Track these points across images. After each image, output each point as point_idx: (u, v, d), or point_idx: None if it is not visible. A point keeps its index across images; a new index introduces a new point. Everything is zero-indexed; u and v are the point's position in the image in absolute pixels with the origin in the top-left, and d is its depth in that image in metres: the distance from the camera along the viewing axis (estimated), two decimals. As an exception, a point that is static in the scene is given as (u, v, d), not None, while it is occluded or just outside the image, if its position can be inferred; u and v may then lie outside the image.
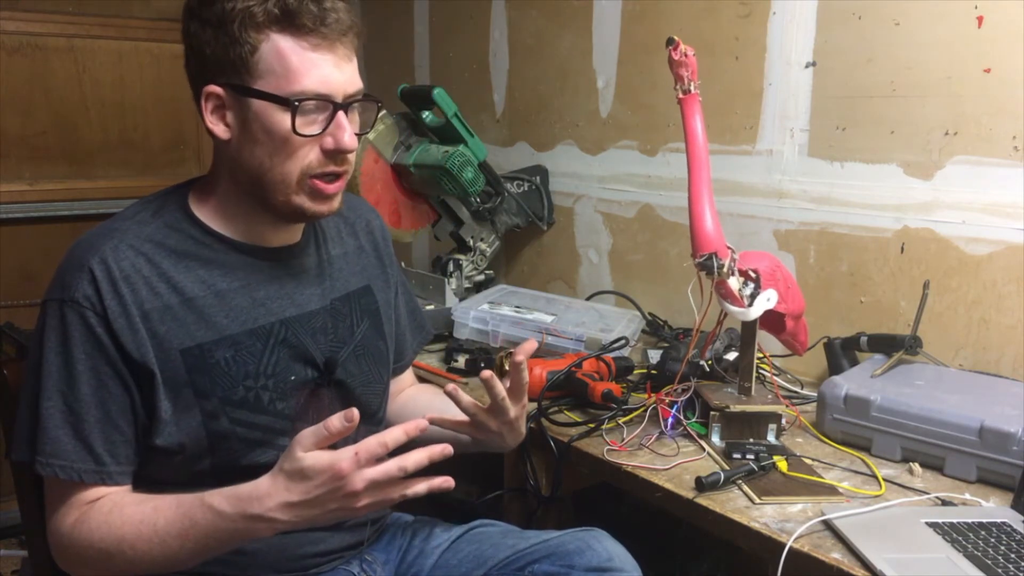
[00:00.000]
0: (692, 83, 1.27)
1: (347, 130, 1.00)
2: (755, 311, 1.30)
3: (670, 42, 1.25)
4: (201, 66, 1.01)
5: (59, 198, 2.44)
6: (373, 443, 0.88)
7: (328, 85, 0.98)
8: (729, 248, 1.27)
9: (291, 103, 0.96)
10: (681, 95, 1.27)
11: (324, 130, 0.99)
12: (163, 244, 1.02)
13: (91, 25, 2.43)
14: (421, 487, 0.91)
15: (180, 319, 1.00)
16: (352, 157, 1.04)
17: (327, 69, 0.98)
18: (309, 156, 1.00)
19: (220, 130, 1.01)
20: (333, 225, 1.20)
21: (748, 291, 1.30)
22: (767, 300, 1.30)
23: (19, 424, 0.99)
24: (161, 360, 0.99)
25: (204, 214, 1.06)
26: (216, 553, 0.96)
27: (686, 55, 1.25)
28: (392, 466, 0.88)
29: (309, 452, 0.89)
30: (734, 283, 1.29)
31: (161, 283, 1.00)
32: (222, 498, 0.92)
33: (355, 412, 0.88)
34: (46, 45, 2.37)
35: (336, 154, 1.01)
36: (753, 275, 1.30)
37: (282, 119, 0.97)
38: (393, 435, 0.89)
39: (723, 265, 1.24)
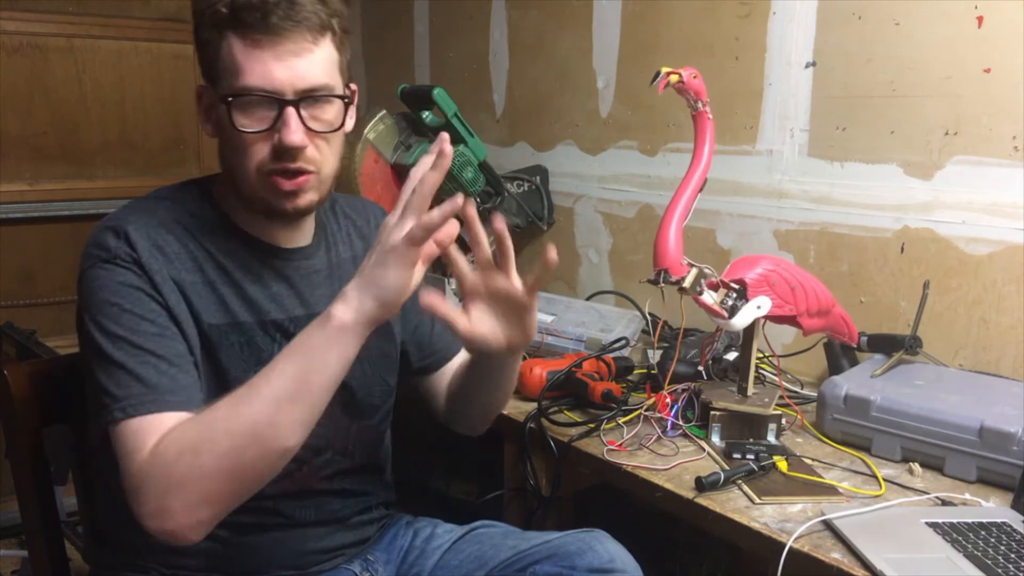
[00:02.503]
0: (699, 102, 1.29)
1: (291, 127, 0.96)
2: (739, 322, 1.30)
3: (656, 76, 1.26)
4: (201, 72, 1.04)
5: (59, 198, 2.44)
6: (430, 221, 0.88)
7: (269, 81, 0.96)
8: (693, 265, 1.29)
9: (227, 100, 0.97)
10: (692, 112, 1.31)
11: (272, 126, 0.98)
12: (187, 228, 1.04)
13: (91, 25, 2.43)
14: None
15: (204, 296, 1.02)
16: (313, 154, 1.01)
17: (269, 64, 0.96)
18: (261, 153, 0.99)
19: (208, 129, 1.05)
20: (344, 229, 1.21)
21: (731, 302, 1.30)
22: (756, 308, 1.30)
23: (92, 400, 0.96)
24: (190, 328, 1.00)
25: (225, 205, 1.09)
26: (315, 386, 0.89)
27: (683, 82, 1.26)
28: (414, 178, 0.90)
29: None
30: (708, 298, 1.30)
31: (188, 260, 1.02)
32: (314, 321, 0.91)
33: (460, 197, 0.88)
34: (46, 45, 2.37)
35: (283, 151, 0.98)
36: (736, 286, 1.31)
37: (231, 116, 0.98)
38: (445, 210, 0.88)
39: (677, 281, 1.27)
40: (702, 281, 1.30)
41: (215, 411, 0.90)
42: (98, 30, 2.44)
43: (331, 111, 1.02)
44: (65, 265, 2.44)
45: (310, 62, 0.98)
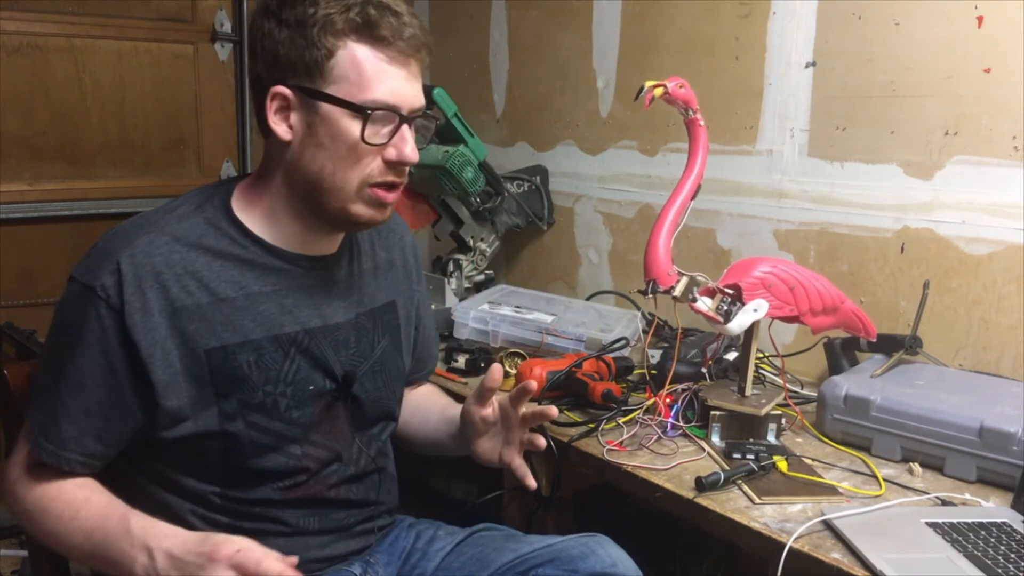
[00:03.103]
0: (689, 110, 1.32)
1: (410, 143, 1.02)
2: (735, 326, 1.31)
3: (640, 92, 1.28)
4: (272, 66, 1.01)
5: (59, 198, 2.43)
6: (253, 558, 0.90)
7: (399, 97, 1.00)
8: (683, 274, 1.30)
9: (363, 111, 0.98)
10: (684, 120, 1.33)
11: (388, 141, 1.01)
12: (199, 242, 1.02)
13: (91, 25, 2.42)
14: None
15: (208, 319, 1.01)
16: (408, 170, 1.06)
17: (399, 82, 1.00)
18: (371, 165, 1.01)
19: (282, 131, 1.01)
20: (367, 239, 1.20)
21: (726, 307, 1.31)
22: (753, 311, 1.30)
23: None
24: (185, 357, 1.00)
25: (245, 215, 1.06)
26: (96, 567, 1.01)
27: (668, 94, 1.28)
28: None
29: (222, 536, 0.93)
30: (703, 305, 1.31)
31: (192, 281, 1.00)
32: (139, 520, 0.97)
33: (294, 561, 0.91)
34: (46, 45, 2.37)
35: (398, 165, 1.02)
36: (731, 292, 1.31)
37: (351, 126, 0.98)
38: (272, 567, 0.89)
39: (667, 291, 1.30)
40: (694, 289, 1.31)
41: (53, 504, 1.01)
42: (98, 30, 2.43)
43: (426, 132, 1.09)
44: (65, 265, 2.41)
45: (419, 86, 1.04)
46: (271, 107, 1.01)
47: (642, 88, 1.28)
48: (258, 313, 1.04)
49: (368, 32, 0.97)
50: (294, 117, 1.00)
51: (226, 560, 0.89)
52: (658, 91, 1.28)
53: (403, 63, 1.00)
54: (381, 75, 0.98)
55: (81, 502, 1.00)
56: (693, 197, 1.34)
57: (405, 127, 1.01)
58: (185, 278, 1.00)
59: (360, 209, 1.03)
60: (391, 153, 1.01)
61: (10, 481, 1.04)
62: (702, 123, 1.33)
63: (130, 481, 1.07)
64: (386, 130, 1.00)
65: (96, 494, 1.01)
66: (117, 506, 0.99)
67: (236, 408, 1.02)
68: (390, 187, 1.04)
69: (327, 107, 0.98)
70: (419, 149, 1.07)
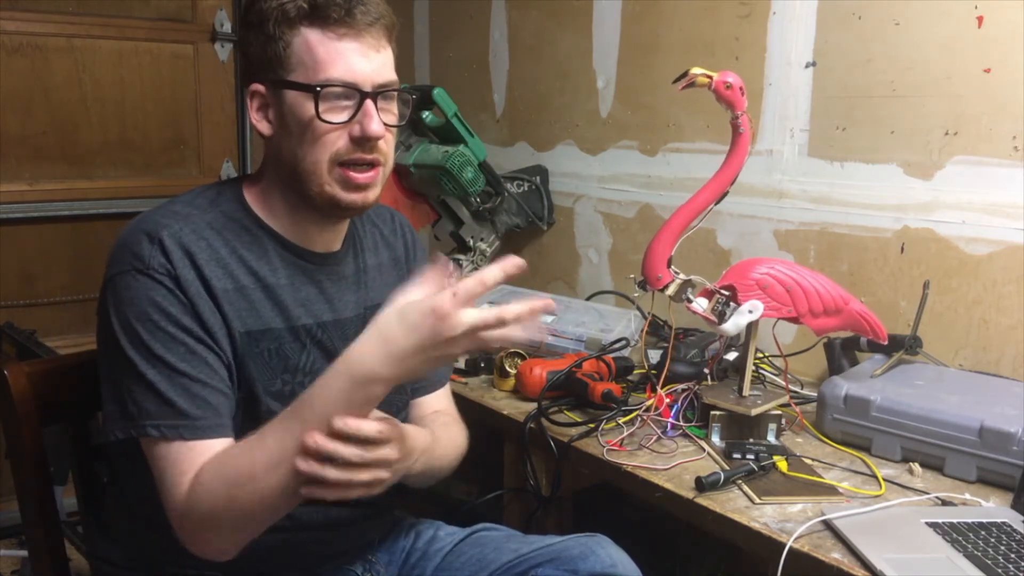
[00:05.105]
0: (730, 112, 1.30)
1: (374, 118, 1.01)
2: (731, 327, 1.31)
3: (683, 76, 1.26)
4: (247, 67, 1.05)
5: (59, 198, 2.44)
6: (472, 282, 0.83)
7: (354, 73, 1.00)
8: (678, 276, 1.31)
9: (314, 89, 0.99)
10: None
11: (352, 118, 1.01)
12: (220, 233, 1.04)
13: (91, 25, 2.42)
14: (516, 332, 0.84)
15: (235, 304, 1.02)
16: (384, 147, 1.04)
17: (353, 58, 1.00)
18: (337, 143, 1.01)
19: (263, 127, 1.05)
20: (371, 236, 1.21)
21: (721, 307, 1.32)
22: (749, 312, 1.30)
23: (112, 403, 0.98)
24: (223, 337, 1.00)
25: (257, 208, 1.08)
26: None
27: (710, 88, 1.26)
28: (491, 315, 0.83)
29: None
30: (698, 306, 1.32)
31: (219, 268, 1.02)
32: (325, 376, 0.89)
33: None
34: (46, 45, 2.37)
35: (363, 141, 1.02)
36: (726, 293, 1.31)
37: (309, 107, 1.00)
38: (492, 273, 0.84)
39: (661, 289, 1.32)
40: (689, 290, 1.31)
41: (251, 455, 0.91)
42: (98, 30, 2.44)
43: (395, 107, 1.06)
44: (65, 265, 2.44)
45: (384, 58, 1.03)
46: (252, 105, 1.05)
47: (686, 73, 1.26)
48: (276, 303, 1.05)
49: (317, 15, 0.99)
50: (271, 112, 1.04)
51: (454, 307, 0.82)
52: (701, 80, 1.26)
53: (355, 38, 1.00)
54: (333, 54, 0.99)
55: (256, 438, 0.91)
56: (717, 201, 1.34)
57: (368, 102, 1.01)
58: (212, 264, 1.01)
59: (337, 191, 1.03)
60: (355, 130, 1.01)
61: (185, 496, 0.93)
62: (741, 129, 1.30)
63: (130, 486, 1.07)
64: (348, 107, 1.01)
65: (254, 438, 0.92)
66: (285, 411, 0.91)
67: (260, 393, 1.03)
68: (362, 167, 1.03)
69: (291, 94, 1.01)
70: (400, 124, 1.07)
